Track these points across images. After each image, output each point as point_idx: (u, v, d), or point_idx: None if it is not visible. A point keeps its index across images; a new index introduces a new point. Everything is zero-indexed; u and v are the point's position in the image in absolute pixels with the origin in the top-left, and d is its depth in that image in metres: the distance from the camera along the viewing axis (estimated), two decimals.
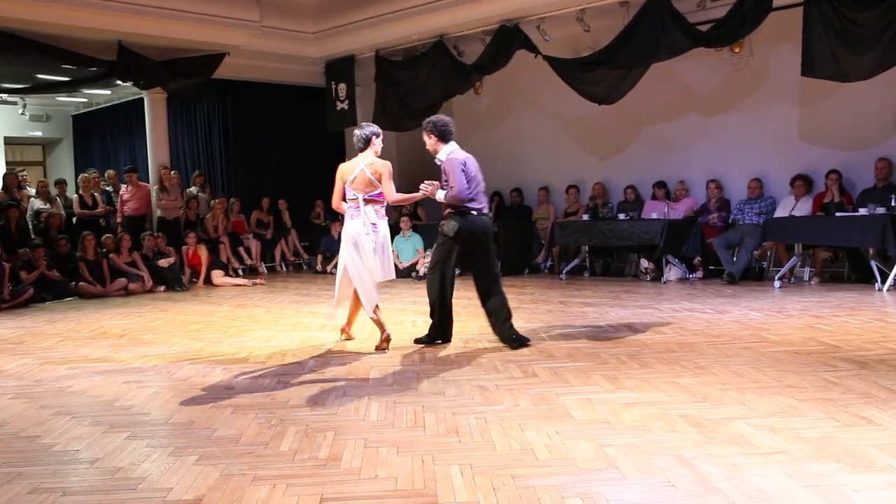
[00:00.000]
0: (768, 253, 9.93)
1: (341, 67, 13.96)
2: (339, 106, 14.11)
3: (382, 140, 6.45)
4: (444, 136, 6.22)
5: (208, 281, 11.90)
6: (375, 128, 6.44)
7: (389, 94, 13.19)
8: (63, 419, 4.41)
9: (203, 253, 12.02)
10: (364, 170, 6.20)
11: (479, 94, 12.87)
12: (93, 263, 10.84)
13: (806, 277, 9.44)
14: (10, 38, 10.63)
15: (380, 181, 6.19)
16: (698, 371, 4.94)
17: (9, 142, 17.29)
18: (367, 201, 6.21)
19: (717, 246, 9.84)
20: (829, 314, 6.97)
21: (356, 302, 6.43)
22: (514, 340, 6.04)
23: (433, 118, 6.31)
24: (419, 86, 12.72)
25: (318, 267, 13.15)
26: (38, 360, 6.25)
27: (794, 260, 9.33)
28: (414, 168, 15.11)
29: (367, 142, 6.33)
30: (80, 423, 4.32)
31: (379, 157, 6.37)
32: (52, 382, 5.44)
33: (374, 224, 6.22)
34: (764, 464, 3.23)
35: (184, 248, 12.07)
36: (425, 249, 11.95)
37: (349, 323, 6.70)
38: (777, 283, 9.06)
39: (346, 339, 6.66)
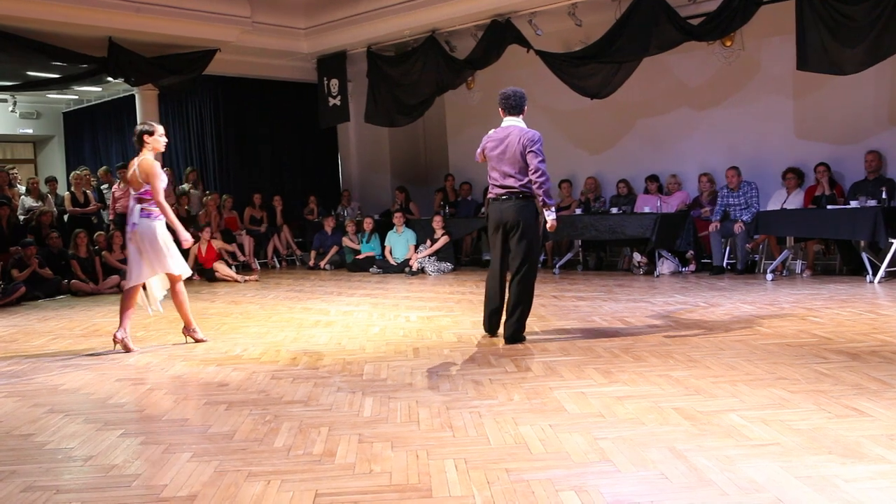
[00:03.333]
0: (760, 246, 9.96)
1: (333, 63, 13.94)
2: (332, 102, 14.09)
3: (164, 135, 6.45)
4: (505, 109, 6.05)
5: (202, 274, 11.86)
6: (148, 126, 6.40)
7: (382, 90, 13.19)
8: (56, 417, 4.40)
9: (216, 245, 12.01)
10: (135, 169, 6.24)
11: (472, 89, 12.87)
12: (85, 261, 10.81)
13: (798, 270, 9.47)
14: (0, 35, 10.58)
15: (147, 180, 6.19)
16: (691, 364, 4.96)
17: None
18: (136, 199, 6.26)
19: (713, 236, 9.89)
20: (821, 306, 7.00)
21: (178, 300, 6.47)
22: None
23: (500, 91, 6.11)
24: (411, 81, 12.73)
25: (311, 263, 13.14)
26: (31, 359, 6.23)
27: (786, 253, 9.36)
28: (407, 163, 15.16)
29: (139, 141, 6.34)
30: (74, 420, 4.32)
31: (160, 152, 6.45)
32: (44, 380, 5.43)
33: (133, 224, 6.23)
34: (756, 455, 3.25)
35: (196, 243, 11.95)
36: (417, 245, 11.95)
37: (186, 322, 6.57)
38: (769, 276, 9.09)
39: (197, 341, 6.56)
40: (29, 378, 5.53)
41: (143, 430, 4.08)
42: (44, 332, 7.56)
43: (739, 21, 9.36)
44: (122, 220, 12.49)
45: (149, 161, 6.24)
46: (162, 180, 6.22)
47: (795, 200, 9.60)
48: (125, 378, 5.36)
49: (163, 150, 6.52)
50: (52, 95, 16.60)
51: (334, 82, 14.00)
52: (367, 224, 12.64)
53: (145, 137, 6.33)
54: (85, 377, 5.45)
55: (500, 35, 11.37)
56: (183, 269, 6.47)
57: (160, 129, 6.44)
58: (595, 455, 3.36)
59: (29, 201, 12.30)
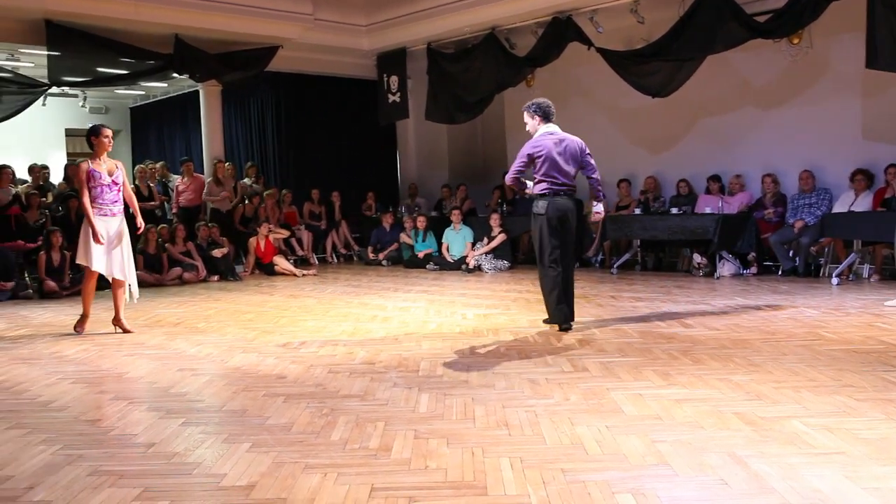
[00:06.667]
0: (825, 249, 9.70)
1: (393, 60, 14.02)
2: (391, 98, 14.17)
3: (109, 138, 6.93)
4: (546, 117, 6.50)
5: (261, 269, 12.06)
6: (94, 128, 6.91)
7: (441, 87, 13.22)
8: (121, 404, 4.52)
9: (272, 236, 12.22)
10: None
11: (531, 87, 12.79)
12: (152, 257, 10.96)
13: (865, 274, 9.20)
14: (72, 33, 10.94)
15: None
16: (752, 368, 4.86)
17: (70, 133, 17.70)
18: None
19: (773, 242, 9.67)
20: (890, 312, 6.79)
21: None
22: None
23: (535, 100, 6.57)
24: (471, 78, 12.72)
25: (371, 255, 13.21)
26: (98, 347, 6.41)
27: (853, 256, 9.10)
28: (465, 160, 15.17)
29: (87, 142, 6.95)
30: (137, 408, 4.43)
31: (108, 151, 6.96)
32: (110, 368, 5.58)
33: None
34: (820, 464, 3.17)
35: (253, 238, 12.15)
36: (474, 243, 11.95)
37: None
38: (835, 280, 8.86)
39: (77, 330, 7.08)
40: (95, 365, 5.70)
41: (204, 420, 4.16)
42: (109, 321, 7.74)
43: (808, 18, 9.13)
44: (185, 213, 12.79)
45: (79, 164, 6.93)
46: (91, 180, 6.72)
47: (864, 203, 9.33)
48: (186, 368, 5.47)
49: (109, 149, 6.96)
50: (120, 91, 17.01)
51: (394, 79, 14.08)
52: (421, 222, 12.68)
53: (92, 139, 6.89)
54: (148, 366, 5.59)
55: (560, 32, 11.29)
56: (87, 263, 6.80)
57: (106, 131, 6.93)
58: (652, 458, 3.32)
59: None
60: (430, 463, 3.35)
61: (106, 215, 6.79)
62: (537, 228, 6.37)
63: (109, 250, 6.82)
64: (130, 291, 7.01)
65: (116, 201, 6.87)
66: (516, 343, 6.00)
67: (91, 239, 6.70)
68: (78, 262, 7.01)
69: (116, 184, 6.87)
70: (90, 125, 7.04)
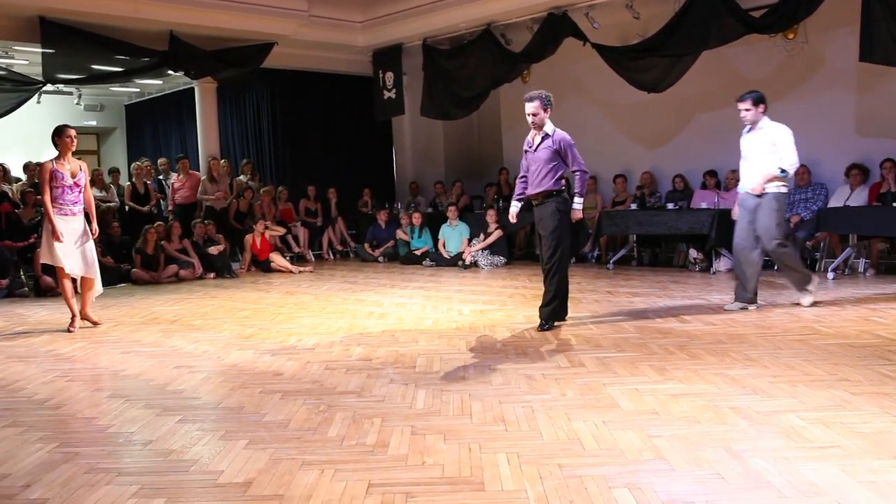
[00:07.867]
0: (821, 244, 9.71)
1: (389, 56, 14.01)
2: (387, 95, 14.16)
3: (72, 138, 7.09)
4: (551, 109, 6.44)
5: (257, 265, 12.06)
6: (57, 129, 7.04)
7: (437, 83, 13.20)
8: (117, 402, 4.52)
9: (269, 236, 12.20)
10: None
11: (527, 83, 12.78)
12: (150, 256, 10.93)
13: (861, 269, 9.21)
14: (67, 30, 10.90)
15: None
16: (748, 363, 4.87)
17: None
18: None
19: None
20: (885, 306, 6.81)
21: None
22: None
23: (541, 91, 6.46)
24: (467, 74, 12.72)
25: (368, 250, 13.19)
26: (94, 344, 6.41)
27: (849, 251, 9.11)
28: (461, 156, 15.17)
29: (52, 142, 7.07)
30: (134, 405, 4.42)
31: (72, 151, 7.13)
32: (106, 366, 5.58)
33: None
34: (816, 458, 3.18)
35: (249, 235, 12.14)
36: (471, 239, 11.95)
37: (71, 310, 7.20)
38: (830, 275, 8.87)
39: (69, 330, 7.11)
40: (92, 363, 5.69)
41: (201, 417, 4.16)
42: (105, 319, 7.72)
43: (803, 13, 9.13)
44: (181, 210, 12.76)
45: (43, 164, 7.08)
46: (53, 180, 6.87)
47: (859, 197, 9.35)
48: (183, 365, 5.47)
49: (73, 149, 7.10)
50: (115, 88, 16.96)
51: (389, 75, 14.07)
52: (417, 219, 12.67)
53: (55, 139, 7.05)
54: (145, 363, 5.58)
55: (556, 28, 11.28)
56: (54, 262, 6.98)
57: (69, 132, 7.09)
58: (649, 453, 3.32)
59: (93, 192, 12.57)
60: (427, 459, 3.36)
61: (66, 215, 6.96)
62: (567, 225, 6.33)
63: (73, 248, 6.94)
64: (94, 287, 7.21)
65: (77, 202, 7.04)
66: (513, 339, 6.00)
67: (53, 238, 6.86)
68: (43, 261, 7.22)
69: (78, 185, 7.04)
70: (83, 122, 7.16)
